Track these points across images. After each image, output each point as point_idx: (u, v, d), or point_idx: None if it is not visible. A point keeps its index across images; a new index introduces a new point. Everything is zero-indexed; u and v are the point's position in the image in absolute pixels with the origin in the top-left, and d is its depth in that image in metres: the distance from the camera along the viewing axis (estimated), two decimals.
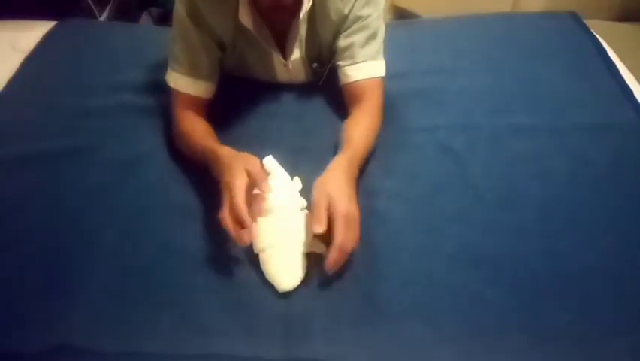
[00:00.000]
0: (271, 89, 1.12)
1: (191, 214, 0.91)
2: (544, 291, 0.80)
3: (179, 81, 1.00)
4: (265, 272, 0.81)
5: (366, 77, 1.00)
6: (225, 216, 0.77)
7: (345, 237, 0.76)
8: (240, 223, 0.77)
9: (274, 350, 0.75)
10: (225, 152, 0.86)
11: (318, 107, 1.10)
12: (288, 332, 0.76)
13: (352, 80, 1.00)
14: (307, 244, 0.83)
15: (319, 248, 0.83)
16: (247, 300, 0.80)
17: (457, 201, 0.92)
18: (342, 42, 1.00)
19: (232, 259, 0.84)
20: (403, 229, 0.88)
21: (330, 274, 0.78)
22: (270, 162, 0.92)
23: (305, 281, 0.81)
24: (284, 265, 0.81)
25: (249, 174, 0.79)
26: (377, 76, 1.01)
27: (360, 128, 0.96)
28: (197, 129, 0.98)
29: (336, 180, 0.82)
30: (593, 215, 0.89)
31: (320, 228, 0.76)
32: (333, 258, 0.76)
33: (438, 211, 0.91)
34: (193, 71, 0.99)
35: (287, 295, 0.80)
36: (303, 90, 1.13)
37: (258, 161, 0.84)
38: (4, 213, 0.94)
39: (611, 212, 0.90)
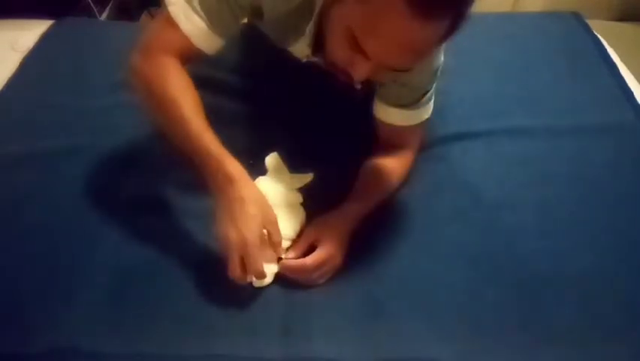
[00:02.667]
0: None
1: (191, 214, 0.91)
2: (543, 291, 0.80)
3: (193, 26, 0.76)
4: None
5: (410, 124, 0.90)
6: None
7: (315, 268, 0.77)
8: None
9: (274, 350, 0.75)
10: (237, 173, 0.73)
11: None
12: (288, 332, 0.76)
13: (390, 122, 0.90)
14: (291, 240, 0.83)
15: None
16: (247, 300, 0.80)
17: (456, 201, 0.92)
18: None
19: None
20: (402, 229, 0.88)
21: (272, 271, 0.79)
22: (272, 158, 0.92)
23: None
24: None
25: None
26: (423, 120, 0.91)
27: (383, 181, 0.88)
28: (187, 100, 0.76)
29: (336, 229, 0.82)
30: (592, 215, 0.90)
31: (292, 254, 0.79)
32: (290, 266, 0.78)
33: (437, 211, 0.91)
34: (214, 23, 0.77)
35: (286, 295, 0.80)
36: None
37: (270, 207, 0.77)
38: (4, 213, 0.93)
39: (610, 212, 0.90)
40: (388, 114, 0.90)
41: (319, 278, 0.80)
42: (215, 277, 0.83)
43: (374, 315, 0.78)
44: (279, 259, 0.81)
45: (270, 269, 0.80)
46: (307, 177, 0.91)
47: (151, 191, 0.95)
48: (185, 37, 0.78)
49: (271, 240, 0.75)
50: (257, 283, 0.80)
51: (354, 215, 0.84)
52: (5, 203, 0.95)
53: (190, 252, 0.86)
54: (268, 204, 0.75)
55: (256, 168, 0.94)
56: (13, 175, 1.00)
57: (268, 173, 0.91)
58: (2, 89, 1.19)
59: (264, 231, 0.73)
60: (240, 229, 0.70)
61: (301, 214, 0.88)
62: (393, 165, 0.91)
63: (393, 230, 0.88)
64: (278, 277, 0.81)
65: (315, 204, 0.90)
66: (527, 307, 0.78)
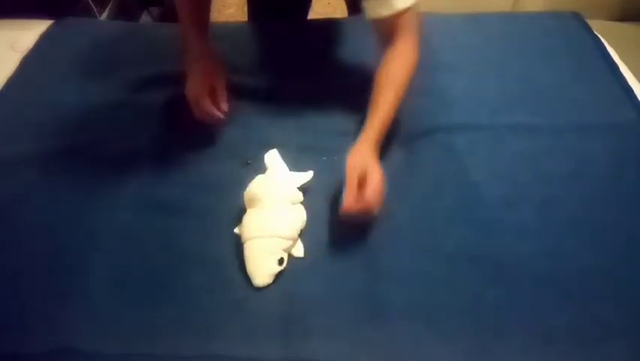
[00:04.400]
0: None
1: (191, 213, 0.91)
2: (544, 291, 0.80)
3: None
4: (245, 265, 0.82)
5: (396, 11, 0.91)
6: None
7: (375, 198, 0.80)
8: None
9: (274, 351, 0.74)
10: (197, 49, 0.99)
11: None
12: (288, 333, 0.76)
13: (380, 16, 0.92)
14: (291, 240, 0.83)
15: (299, 252, 0.84)
16: (247, 300, 0.80)
17: (457, 200, 0.92)
18: None
19: (231, 259, 0.84)
20: (403, 228, 0.88)
21: (341, 217, 0.82)
22: (272, 155, 0.92)
23: (304, 282, 0.81)
24: (260, 260, 0.81)
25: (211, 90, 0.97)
26: (407, 6, 0.91)
27: (390, 86, 0.92)
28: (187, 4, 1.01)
29: (367, 154, 0.86)
30: (593, 215, 0.89)
31: (352, 194, 0.80)
32: (353, 205, 0.80)
33: (438, 211, 0.91)
34: None
35: (286, 295, 0.80)
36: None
37: (222, 77, 1.00)
38: (4, 213, 0.93)
39: (611, 212, 0.90)
40: (373, 8, 0.93)
41: (378, 205, 0.82)
42: (216, 277, 0.83)
43: (374, 315, 0.78)
44: (281, 259, 0.81)
45: (270, 269, 0.80)
46: (307, 176, 0.91)
47: (151, 191, 0.95)
48: None
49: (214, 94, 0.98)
50: (257, 283, 0.80)
51: (376, 131, 0.89)
52: (5, 203, 0.95)
53: (190, 252, 0.86)
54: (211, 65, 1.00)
55: (255, 167, 0.94)
56: (13, 175, 1.00)
57: (267, 171, 0.91)
58: (2, 89, 1.19)
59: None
60: (191, 87, 0.99)
61: (302, 213, 0.88)
62: (391, 59, 0.93)
63: (394, 230, 0.88)
64: (278, 277, 0.81)
65: (315, 204, 0.90)
66: (528, 308, 0.78)
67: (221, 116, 0.98)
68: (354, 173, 0.82)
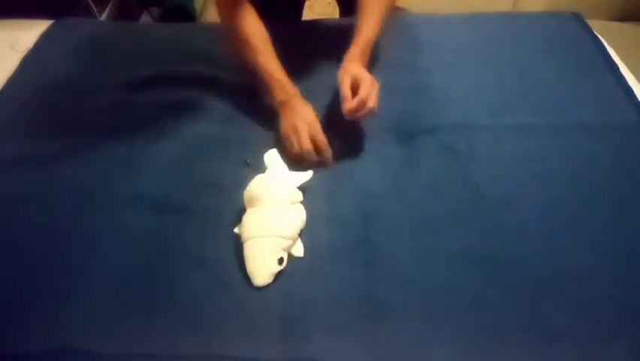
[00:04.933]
0: None
1: (191, 213, 0.91)
2: (544, 291, 0.80)
3: None
4: (245, 265, 0.82)
5: None
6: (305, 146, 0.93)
7: (368, 93, 0.90)
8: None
9: (274, 351, 0.74)
10: (294, 92, 0.99)
11: None
12: (288, 333, 0.76)
13: None
14: (291, 240, 0.83)
15: (299, 252, 0.84)
16: (247, 300, 0.80)
17: (457, 200, 0.92)
18: None
19: (231, 259, 0.84)
20: (403, 229, 0.88)
21: (346, 119, 0.93)
22: (271, 155, 0.92)
23: (304, 282, 0.81)
24: (260, 260, 0.81)
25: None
26: None
27: (369, 15, 1.00)
28: (256, 37, 1.02)
29: (355, 66, 0.95)
30: (593, 215, 0.89)
31: (348, 96, 0.91)
32: (353, 105, 0.90)
33: (438, 211, 0.91)
34: None
35: (286, 295, 0.80)
36: None
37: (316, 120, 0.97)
38: (4, 213, 0.93)
39: (611, 212, 0.90)
40: None
41: (374, 102, 0.91)
42: (216, 277, 0.83)
43: (374, 315, 0.78)
44: (281, 259, 0.81)
45: (270, 269, 0.80)
46: (307, 175, 0.91)
47: (151, 191, 0.95)
48: None
49: (317, 142, 0.95)
50: (257, 282, 0.80)
51: (359, 54, 0.97)
52: (5, 203, 0.95)
53: (190, 252, 0.86)
54: (314, 118, 0.97)
55: (255, 166, 0.94)
56: (13, 175, 1.00)
57: (267, 170, 0.91)
58: (2, 89, 1.19)
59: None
60: (296, 128, 0.95)
61: (302, 213, 0.88)
62: None
63: (394, 230, 0.88)
64: (278, 277, 0.81)
65: (315, 204, 0.90)
66: (528, 308, 0.78)
67: (330, 158, 0.96)
68: (347, 79, 0.92)
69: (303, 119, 0.95)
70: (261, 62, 1.01)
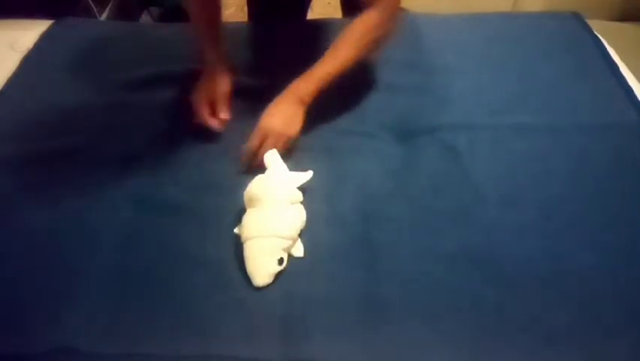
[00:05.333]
0: None
1: (191, 213, 0.91)
2: (544, 291, 0.80)
3: None
4: (245, 265, 0.82)
5: None
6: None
7: (254, 143, 0.94)
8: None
9: (273, 351, 0.74)
10: (211, 62, 1.04)
11: None
12: (288, 333, 0.76)
13: None
14: (291, 240, 0.83)
15: (299, 252, 0.84)
16: (247, 300, 0.80)
17: (457, 201, 0.92)
18: None
19: (231, 259, 0.84)
20: (403, 229, 0.88)
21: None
22: (272, 155, 0.92)
23: (304, 282, 0.81)
24: (260, 260, 0.81)
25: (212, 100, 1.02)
26: None
27: (342, 42, 0.97)
28: (202, 11, 1.06)
29: (278, 102, 0.97)
30: (593, 215, 0.89)
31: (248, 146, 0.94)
32: (244, 160, 0.95)
33: (438, 211, 0.91)
34: None
35: (286, 295, 0.80)
36: None
37: (225, 88, 1.03)
38: (4, 213, 0.93)
39: (612, 212, 0.90)
40: None
41: (273, 143, 0.94)
42: (216, 277, 0.83)
43: (374, 316, 0.78)
44: (281, 259, 0.81)
45: (271, 269, 0.80)
46: (307, 175, 0.91)
47: (151, 191, 0.95)
48: None
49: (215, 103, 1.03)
50: (257, 283, 0.80)
51: (309, 84, 0.96)
52: (5, 203, 0.95)
53: (190, 252, 0.86)
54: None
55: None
56: (13, 175, 1.00)
57: (267, 170, 0.91)
58: (2, 89, 1.19)
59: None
60: (194, 94, 1.04)
61: (302, 213, 0.88)
62: (356, 20, 0.97)
63: (394, 230, 0.88)
64: (278, 277, 0.81)
65: (315, 204, 0.90)
66: (528, 308, 0.78)
67: (216, 125, 1.02)
68: (257, 134, 0.95)
69: (202, 88, 1.03)
70: (198, 31, 1.07)
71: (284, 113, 0.95)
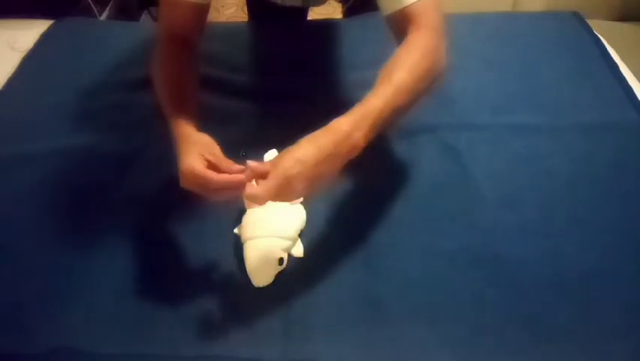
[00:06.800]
0: None
1: (191, 214, 0.91)
2: (544, 291, 0.80)
3: None
4: (245, 265, 0.82)
5: (404, 5, 0.79)
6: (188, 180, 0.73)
7: (269, 193, 0.66)
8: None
9: (274, 351, 0.74)
10: (183, 128, 0.78)
11: None
12: (288, 333, 0.76)
13: (394, 9, 0.81)
14: (291, 240, 0.83)
15: (299, 252, 0.84)
16: (247, 300, 0.80)
17: (457, 201, 0.92)
18: None
19: (231, 259, 0.84)
20: (403, 228, 0.88)
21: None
22: (272, 155, 0.92)
23: (304, 282, 0.81)
24: (260, 261, 0.81)
25: (207, 160, 0.73)
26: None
27: (395, 75, 0.74)
28: (170, 72, 0.85)
29: (306, 141, 0.70)
30: (594, 215, 0.89)
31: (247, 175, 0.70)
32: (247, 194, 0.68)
33: (438, 211, 0.91)
34: None
35: (286, 295, 0.80)
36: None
37: (217, 146, 0.77)
38: (4, 213, 0.93)
39: (612, 212, 0.90)
40: (383, 3, 0.83)
41: (291, 191, 0.68)
42: (216, 278, 0.83)
43: (374, 316, 0.78)
44: (281, 259, 0.81)
45: (271, 269, 0.80)
46: None
47: (151, 191, 0.95)
48: (180, 4, 0.85)
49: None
50: (257, 283, 0.80)
51: (344, 126, 0.71)
52: (5, 203, 0.95)
53: (190, 252, 0.86)
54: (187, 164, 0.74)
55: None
56: (13, 175, 1.00)
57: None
58: (2, 89, 1.19)
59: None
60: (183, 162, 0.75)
61: (302, 213, 0.88)
62: (406, 49, 0.78)
63: (394, 230, 0.88)
64: (278, 277, 0.81)
65: (315, 204, 0.90)
66: (528, 308, 0.78)
67: (241, 175, 0.71)
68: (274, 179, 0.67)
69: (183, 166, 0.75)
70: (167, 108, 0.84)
71: (318, 151, 0.69)
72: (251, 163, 0.70)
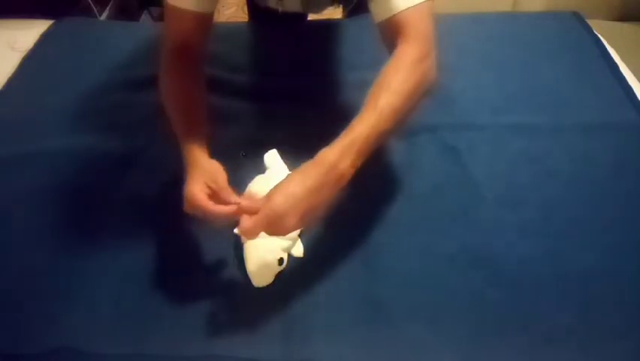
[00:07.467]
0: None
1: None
2: (544, 291, 0.80)
3: None
4: (245, 265, 0.82)
5: (402, 8, 0.76)
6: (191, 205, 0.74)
7: (257, 227, 0.68)
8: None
9: (274, 351, 0.74)
10: (192, 153, 0.79)
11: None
12: (288, 333, 0.76)
13: (384, 17, 0.78)
14: (291, 240, 0.83)
15: (299, 252, 0.84)
16: (247, 300, 0.80)
17: (458, 200, 0.92)
18: None
19: (232, 260, 0.84)
20: (403, 228, 0.88)
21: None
22: (272, 155, 0.92)
23: (304, 282, 0.81)
24: (260, 260, 0.81)
25: (209, 187, 0.74)
26: (409, 5, 0.76)
27: (380, 99, 0.72)
28: (179, 91, 0.85)
29: (295, 174, 0.70)
30: (594, 215, 0.89)
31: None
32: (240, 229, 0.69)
33: (438, 211, 0.91)
34: None
35: (286, 295, 0.80)
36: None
37: (222, 173, 0.77)
38: (4, 213, 0.93)
39: (612, 212, 0.90)
40: (374, 11, 0.81)
41: (281, 226, 0.68)
42: (216, 278, 0.83)
43: (374, 316, 0.78)
44: (281, 259, 0.81)
45: (271, 269, 0.80)
46: None
47: (151, 191, 0.95)
48: (182, 12, 0.83)
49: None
50: (257, 283, 0.80)
51: (330, 157, 0.70)
52: (5, 203, 0.95)
53: (190, 252, 0.86)
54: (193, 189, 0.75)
55: (255, 166, 0.94)
56: (13, 175, 1.00)
57: (267, 170, 0.91)
58: (2, 89, 1.19)
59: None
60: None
61: None
62: (396, 64, 0.76)
63: (394, 230, 0.88)
64: (278, 277, 0.81)
65: None
66: (528, 308, 0.78)
67: (233, 207, 0.72)
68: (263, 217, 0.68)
69: (186, 193, 0.76)
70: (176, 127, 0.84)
71: (306, 185, 0.68)
72: (243, 203, 0.72)
